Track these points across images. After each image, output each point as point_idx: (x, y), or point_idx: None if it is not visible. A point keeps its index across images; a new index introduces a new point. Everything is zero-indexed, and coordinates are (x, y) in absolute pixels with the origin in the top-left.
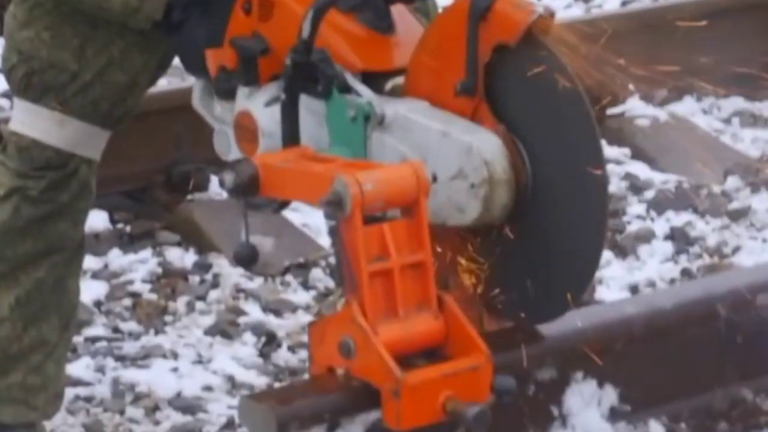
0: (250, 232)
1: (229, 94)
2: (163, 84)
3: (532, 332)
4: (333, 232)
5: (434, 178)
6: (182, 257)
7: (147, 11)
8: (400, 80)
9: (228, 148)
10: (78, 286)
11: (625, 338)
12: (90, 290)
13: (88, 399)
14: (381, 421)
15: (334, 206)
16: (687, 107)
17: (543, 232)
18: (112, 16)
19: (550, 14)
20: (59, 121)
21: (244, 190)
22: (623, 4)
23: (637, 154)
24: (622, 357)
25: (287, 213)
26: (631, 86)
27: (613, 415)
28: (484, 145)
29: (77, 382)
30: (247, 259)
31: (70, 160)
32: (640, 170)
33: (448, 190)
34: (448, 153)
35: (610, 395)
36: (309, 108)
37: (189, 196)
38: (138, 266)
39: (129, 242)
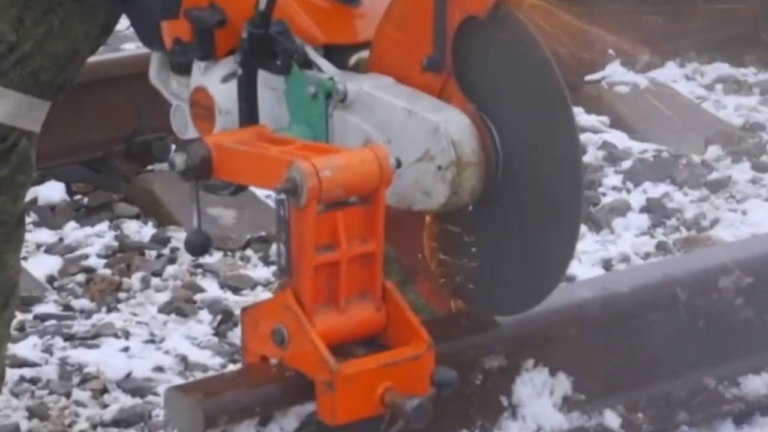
0: (212, 204)
1: (184, 69)
2: (131, 48)
3: (480, 318)
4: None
5: (398, 164)
6: (140, 230)
7: None
8: (364, 54)
9: (186, 126)
10: (18, 262)
11: (579, 323)
12: (43, 265)
13: (34, 381)
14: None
15: (288, 194)
16: (669, 73)
17: (515, 216)
18: None
19: None
20: None
21: (195, 172)
22: None
23: (616, 123)
24: (575, 343)
25: None
26: (611, 51)
27: (567, 405)
28: (452, 125)
29: (23, 363)
30: (199, 247)
31: (9, 133)
32: (618, 139)
33: (414, 172)
34: (414, 133)
35: (563, 384)
36: (267, 84)
37: (149, 167)
38: (94, 240)
39: (86, 215)
